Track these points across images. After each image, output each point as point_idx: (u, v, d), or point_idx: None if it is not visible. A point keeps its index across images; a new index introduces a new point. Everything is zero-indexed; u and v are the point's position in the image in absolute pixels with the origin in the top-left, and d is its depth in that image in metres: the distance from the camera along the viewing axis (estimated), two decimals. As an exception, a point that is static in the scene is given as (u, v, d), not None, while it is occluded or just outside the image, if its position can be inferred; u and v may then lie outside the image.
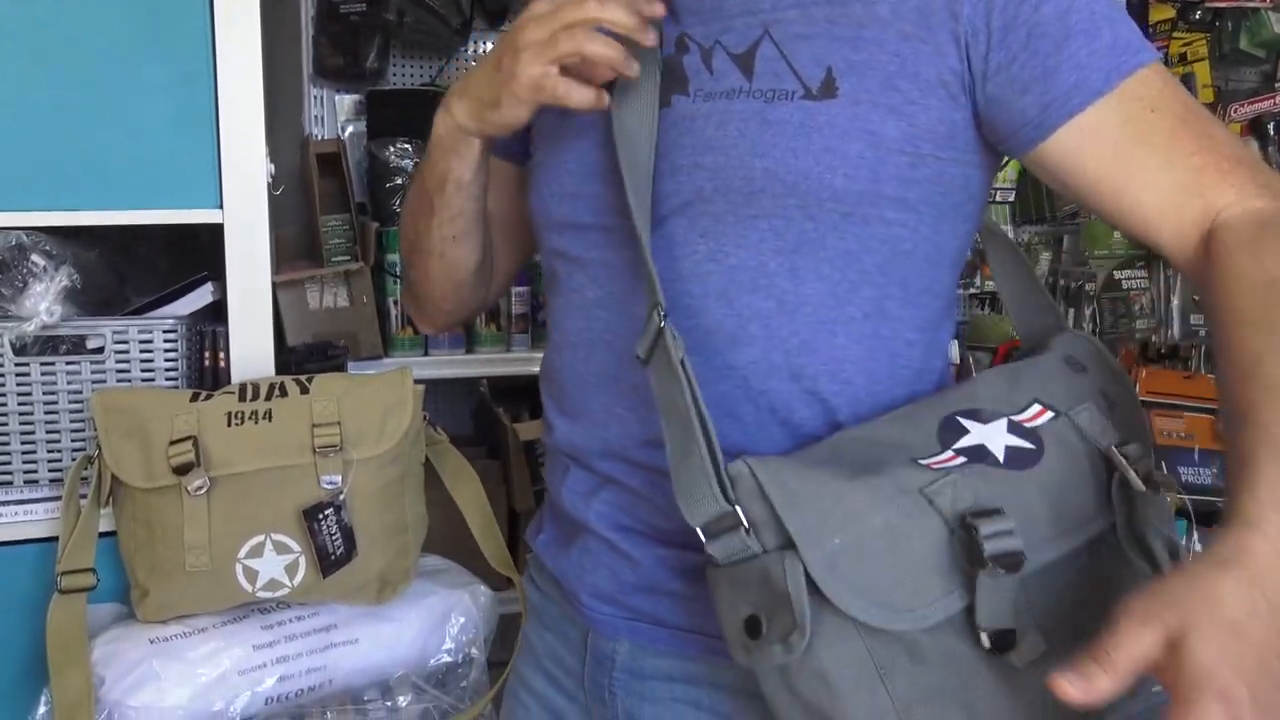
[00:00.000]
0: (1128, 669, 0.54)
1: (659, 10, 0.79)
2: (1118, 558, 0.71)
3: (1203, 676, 0.52)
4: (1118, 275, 2.32)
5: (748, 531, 0.66)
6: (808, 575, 0.63)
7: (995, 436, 0.70)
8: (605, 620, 0.86)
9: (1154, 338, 2.19)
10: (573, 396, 0.86)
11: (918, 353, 0.81)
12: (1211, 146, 0.74)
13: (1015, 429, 0.71)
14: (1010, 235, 2.23)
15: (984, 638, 0.63)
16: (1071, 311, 2.29)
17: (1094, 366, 0.80)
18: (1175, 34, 2.18)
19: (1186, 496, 2.08)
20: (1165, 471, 2.09)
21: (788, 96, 0.75)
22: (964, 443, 0.70)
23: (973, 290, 2.25)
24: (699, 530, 0.68)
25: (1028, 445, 0.70)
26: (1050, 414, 0.73)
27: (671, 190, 0.79)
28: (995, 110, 0.75)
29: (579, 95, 0.78)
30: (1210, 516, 2.30)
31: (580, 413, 0.86)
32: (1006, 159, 0.83)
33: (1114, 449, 0.72)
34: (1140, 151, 0.73)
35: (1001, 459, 0.69)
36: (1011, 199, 2.19)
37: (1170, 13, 2.17)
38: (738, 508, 0.66)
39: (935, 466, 0.68)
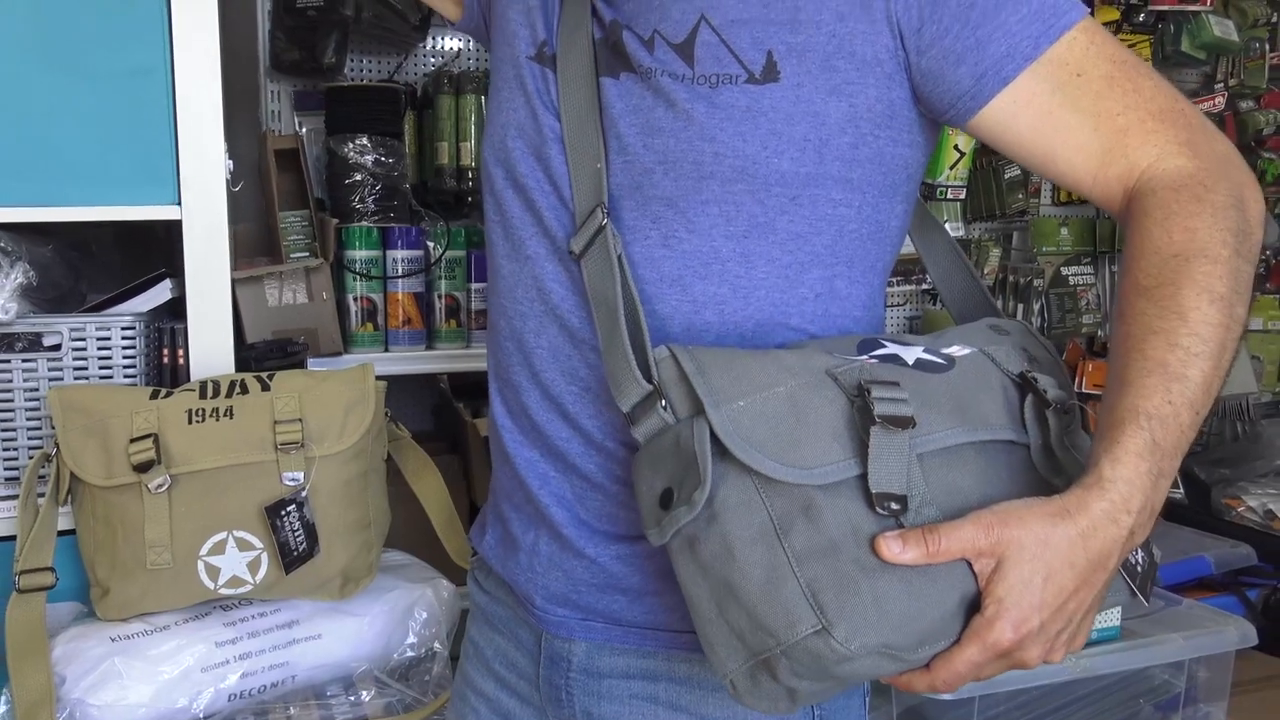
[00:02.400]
0: (943, 553, 0.63)
1: None
2: (1030, 473, 0.73)
3: (1006, 596, 0.63)
4: (1065, 271, 2.37)
5: (664, 407, 0.69)
6: (713, 434, 0.66)
7: (909, 352, 0.74)
8: (560, 622, 0.85)
9: (1099, 332, 2.25)
10: (520, 372, 0.86)
11: (863, 329, 0.83)
12: (1137, 103, 0.75)
13: (930, 351, 0.75)
14: (961, 232, 2.27)
15: (876, 501, 0.65)
16: (1020, 306, 2.34)
17: (1016, 332, 0.83)
18: (1120, 36, 2.23)
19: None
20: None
21: (731, 81, 0.76)
22: (881, 352, 0.74)
23: (925, 286, 2.28)
24: (626, 417, 0.72)
25: (939, 360, 0.74)
26: (968, 350, 0.77)
27: (620, 166, 0.80)
28: (931, 84, 0.77)
29: None
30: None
31: (528, 389, 0.86)
32: (941, 140, 0.85)
33: (1026, 373, 0.75)
34: (1069, 117, 0.75)
35: (911, 364, 0.72)
36: (963, 197, 2.23)
37: (1114, 15, 2.22)
38: (657, 386, 0.70)
39: (847, 359, 0.71)
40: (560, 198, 0.83)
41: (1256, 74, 2.42)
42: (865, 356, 0.73)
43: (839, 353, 0.73)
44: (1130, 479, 0.65)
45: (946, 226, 2.23)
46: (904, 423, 0.66)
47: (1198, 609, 1.72)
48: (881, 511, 0.65)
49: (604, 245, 0.77)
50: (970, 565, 0.65)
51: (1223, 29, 2.24)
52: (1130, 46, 2.21)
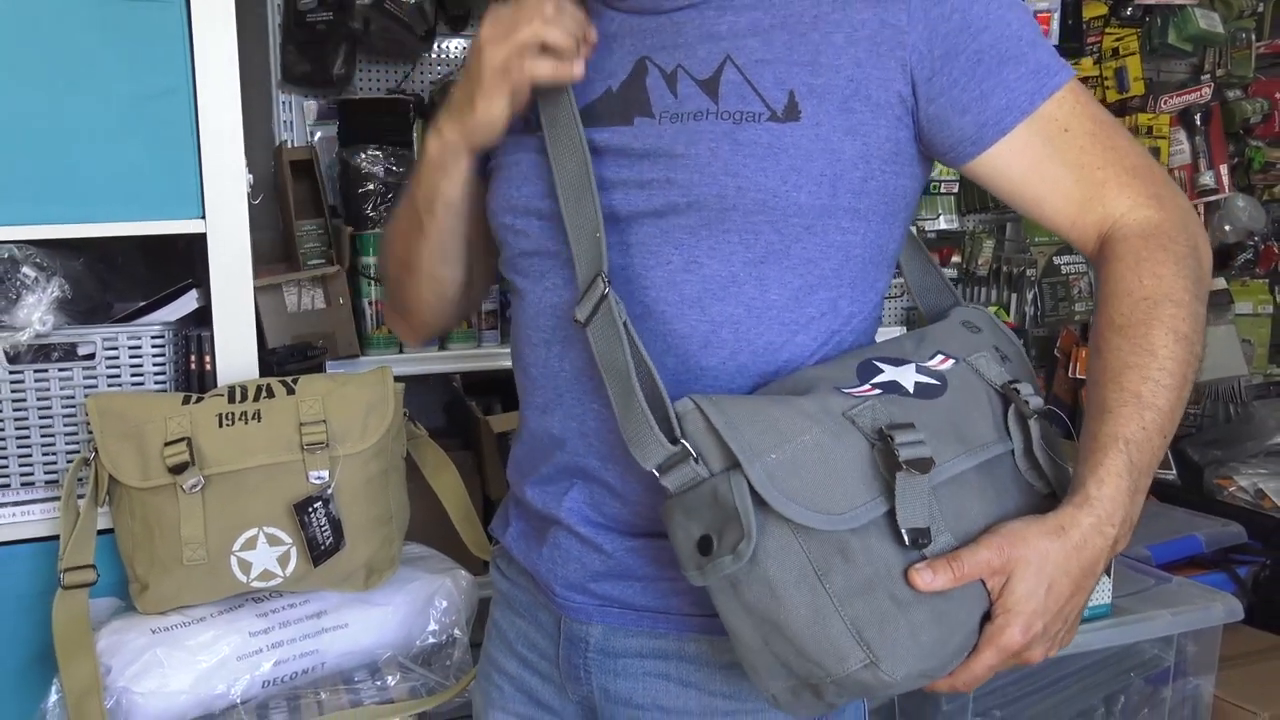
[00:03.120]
0: (966, 576, 0.73)
1: (593, 37, 0.87)
2: (1016, 479, 0.82)
3: (1015, 606, 0.74)
4: (1057, 261, 2.43)
5: (696, 460, 0.74)
6: (751, 488, 0.71)
7: (906, 375, 0.81)
8: (578, 608, 0.91)
9: (1091, 319, 2.30)
10: (545, 392, 0.92)
11: (864, 342, 0.90)
12: (1115, 159, 0.85)
13: (923, 370, 0.82)
14: (956, 224, 2.32)
15: (904, 535, 0.72)
16: (1014, 296, 2.40)
17: (986, 328, 0.92)
18: (1108, 29, 2.28)
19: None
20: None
21: (755, 119, 0.82)
22: (879, 379, 0.80)
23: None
24: (654, 470, 0.76)
25: (934, 382, 0.81)
26: (952, 360, 0.85)
27: (642, 202, 0.85)
28: (936, 128, 0.84)
29: (544, 67, 0.84)
30: (1147, 487, 2.38)
31: (553, 408, 0.91)
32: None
33: (1009, 386, 0.84)
34: (1057, 169, 0.84)
35: (911, 390, 0.79)
36: (956, 190, 2.29)
37: (1103, 9, 2.27)
38: (684, 441, 0.74)
39: (855, 394, 0.78)
40: (564, 264, 0.87)
41: (1243, 63, 2.47)
42: (868, 385, 0.79)
43: (844, 385, 0.79)
44: (1113, 496, 0.76)
45: (941, 219, 2.30)
46: (926, 465, 0.73)
47: (1187, 586, 1.78)
48: (912, 547, 0.73)
49: (609, 314, 0.80)
50: (984, 583, 0.74)
51: (1208, 21, 2.29)
52: (1118, 39, 2.27)
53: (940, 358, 0.85)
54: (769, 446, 0.72)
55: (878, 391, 0.78)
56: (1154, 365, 0.78)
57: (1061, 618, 0.76)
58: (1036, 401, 0.84)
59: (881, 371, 0.81)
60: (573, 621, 0.92)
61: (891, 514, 0.73)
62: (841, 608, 0.71)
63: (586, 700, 0.94)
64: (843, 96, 0.81)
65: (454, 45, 2.01)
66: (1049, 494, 0.83)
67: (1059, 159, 0.84)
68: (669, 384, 0.79)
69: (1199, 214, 2.30)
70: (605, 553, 0.89)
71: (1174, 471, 2.26)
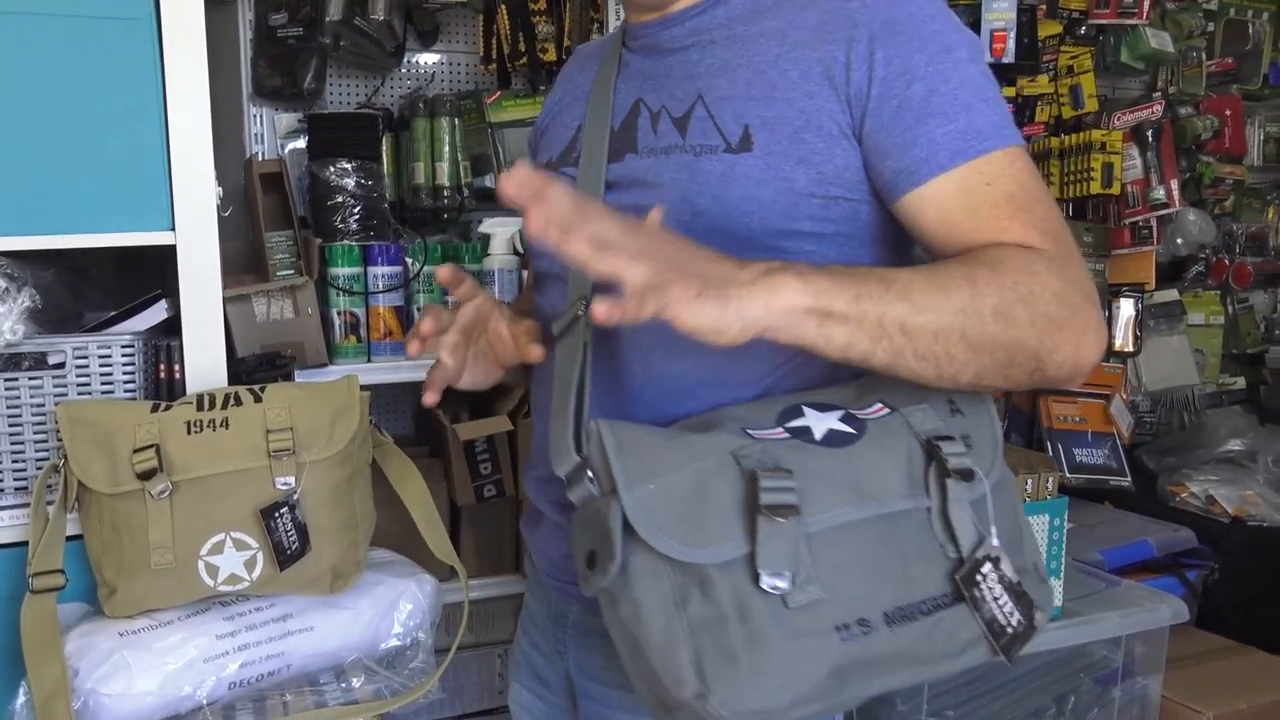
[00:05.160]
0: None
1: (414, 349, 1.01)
2: (926, 538, 0.79)
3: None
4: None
5: (592, 480, 0.78)
6: (624, 515, 0.74)
7: (824, 422, 0.81)
8: (560, 587, 1.01)
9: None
10: (543, 397, 0.99)
11: (841, 369, 0.89)
12: (1026, 221, 0.81)
13: (848, 419, 0.82)
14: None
15: (762, 579, 0.73)
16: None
17: None
18: (1063, 48, 2.35)
19: (1079, 476, 2.26)
20: (1060, 454, 2.26)
21: (712, 151, 0.87)
22: (795, 424, 0.81)
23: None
24: (565, 480, 0.80)
25: (849, 430, 0.81)
26: (886, 410, 0.83)
27: None
28: (868, 165, 0.86)
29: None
30: (1103, 495, 2.48)
31: (544, 410, 0.98)
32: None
33: (934, 440, 0.80)
34: (963, 219, 0.82)
35: (819, 438, 0.80)
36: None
37: (1058, 28, 2.33)
38: (583, 459, 0.79)
39: (759, 436, 0.79)
40: (562, 290, 0.95)
41: (1194, 81, 2.55)
42: (780, 429, 0.80)
43: (755, 426, 0.80)
44: (806, 288, 0.73)
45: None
46: (787, 511, 0.74)
47: (1135, 589, 1.84)
48: (768, 590, 0.73)
49: (577, 333, 0.87)
50: (838, 635, 0.74)
51: (1159, 41, 2.36)
52: (1073, 58, 2.33)
53: (877, 406, 0.84)
54: (648, 476, 0.75)
55: (786, 436, 0.79)
56: (938, 290, 0.76)
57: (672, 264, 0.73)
58: (960, 462, 0.80)
59: (802, 416, 0.82)
60: (559, 600, 1.02)
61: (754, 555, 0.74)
62: (691, 637, 0.73)
63: (566, 674, 1.03)
64: (794, 128, 0.85)
65: (424, 60, 2.05)
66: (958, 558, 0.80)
67: (969, 209, 0.82)
68: (635, 391, 0.86)
69: (1151, 228, 2.37)
70: None
71: (1128, 478, 2.31)
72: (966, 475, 0.79)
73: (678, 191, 0.87)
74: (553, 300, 1.01)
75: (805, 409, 0.83)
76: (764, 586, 0.73)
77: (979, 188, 0.82)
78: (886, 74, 0.83)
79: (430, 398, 1.04)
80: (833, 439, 0.80)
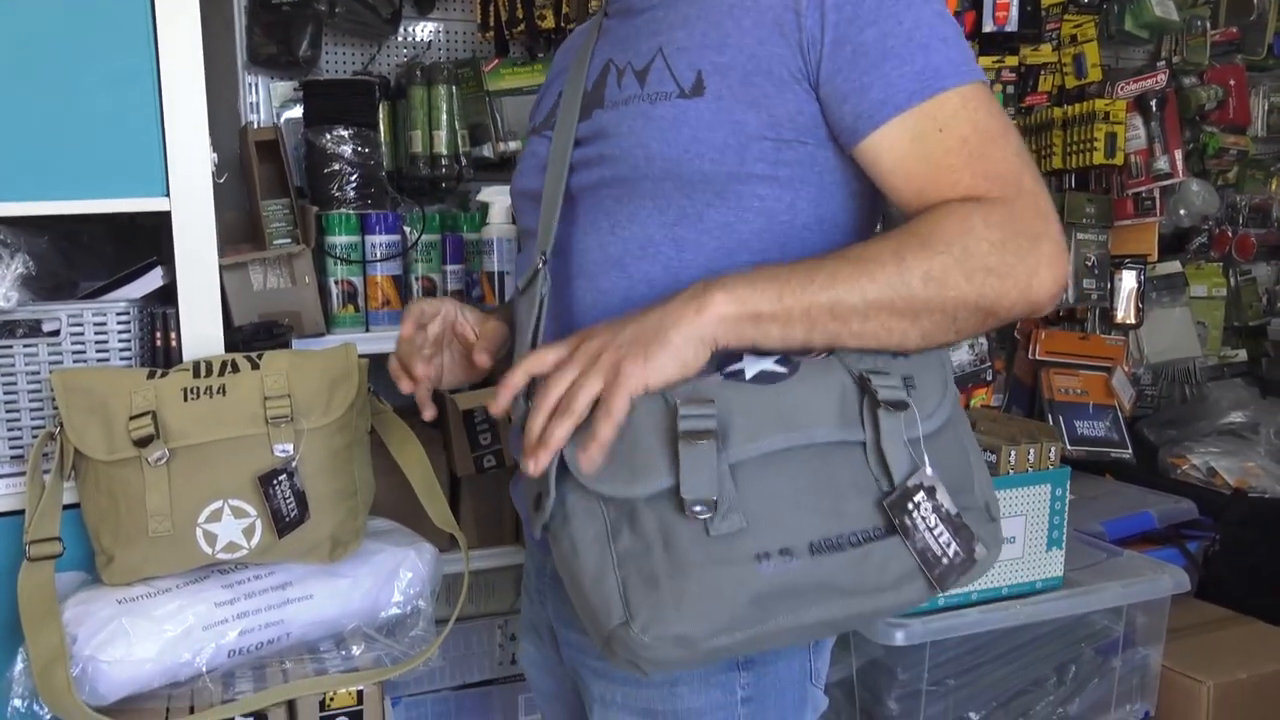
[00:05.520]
0: (529, 368, 0.84)
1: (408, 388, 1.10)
2: (859, 471, 0.81)
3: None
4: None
5: None
6: (560, 456, 0.79)
7: (757, 365, 0.83)
8: (540, 539, 0.98)
9: (1051, 301, 2.35)
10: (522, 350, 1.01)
11: None
12: (978, 168, 0.83)
13: (783, 360, 0.83)
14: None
15: (687, 507, 0.76)
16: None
17: None
18: (1066, 16, 2.32)
19: (1080, 448, 2.26)
20: (1061, 426, 2.26)
21: (666, 97, 0.89)
22: (731, 368, 0.83)
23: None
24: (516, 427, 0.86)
25: (779, 370, 0.82)
26: (825, 355, 0.84)
27: (587, 178, 0.95)
28: (826, 111, 0.88)
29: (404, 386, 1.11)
30: (1103, 467, 2.49)
31: None
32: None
33: (865, 375, 0.82)
34: (917, 166, 0.84)
35: (749, 378, 0.82)
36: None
37: (1061, -3, 2.31)
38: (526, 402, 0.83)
39: (692, 380, 0.81)
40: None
41: (1199, 50, 2.52)
42: (716, 374, 0.82)
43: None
44: (730, 298, 0.79)
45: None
46: (705, 435, 0.76)
47: (1136, 559, 1.84)
48: (692, 515, 0.76)
49: (534, 286, 0.93)
50: (758, 563, 0.76)
51: (1163, 9, 2.33)
52: (1076, 26, 2.31)
53: (821, 353, 0.85)
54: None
55: (719, 378, 0.82)
56: (869, 270, 0.80)
57: (627, 335, 0.80)
58: (893, 394, 0.81)
59: (740, 361, 0.84)
60: (539, 552, 1.05)
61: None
62: (619, 568, 0.77)
63: (549, 623, 1.06)
64: (744, 72, 0.87)
65: (420, 28, 2.02)
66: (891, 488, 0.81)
67: (922, 156, 0.84)
68: None
69: (1154, 199, 2.35)
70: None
71: (1129, 451, 2.31)
72: (899, 405, 0.81)
73: (633, 137, 0.90)
74: (528, 256, 1.03)
75: (746, 355, 0.84)
76: (689, 514, 0.76)
77: (932, 133, 0.83)
78: (838, 19, 0.84)
79: (429, 414, 1.11)
80: (762, 377, 0.82)
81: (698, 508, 0.76)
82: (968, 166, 0.83)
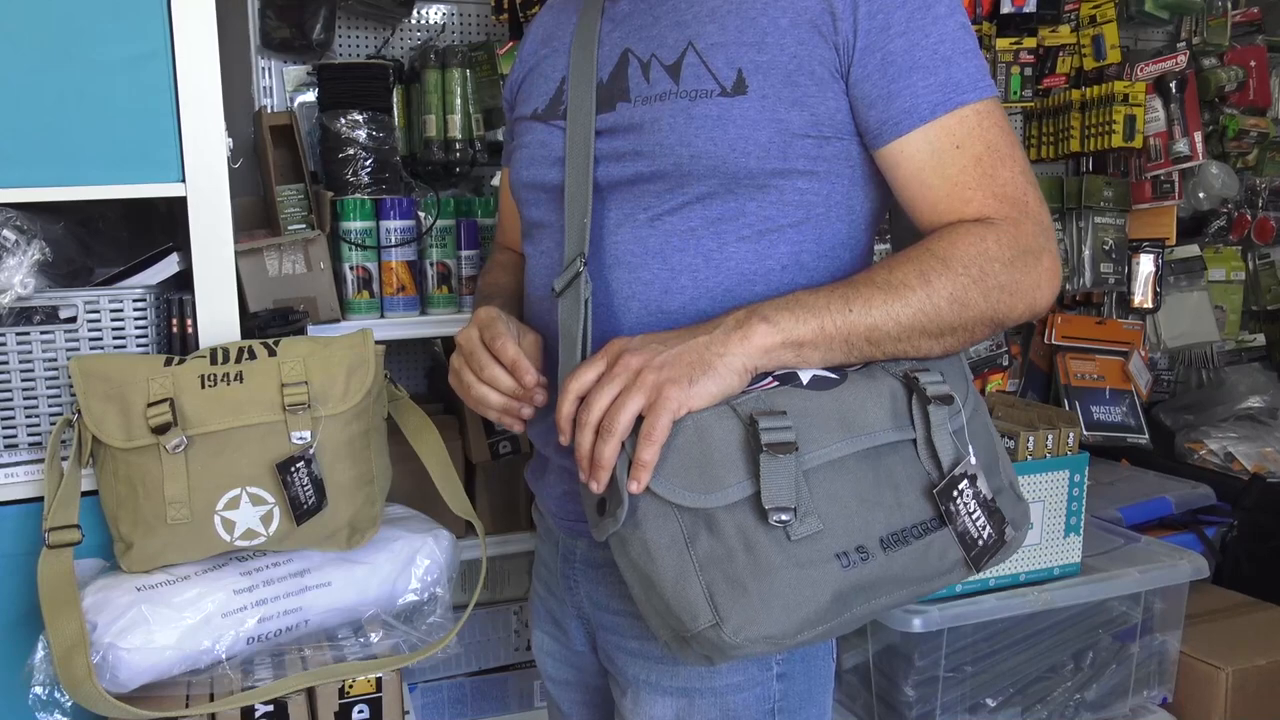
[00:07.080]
0: (574, 388, 0.85)
1: (529, 381, 0.97)
2: (911, 466, 0.86)
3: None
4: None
5: None
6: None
7: (809, 370, 0.87)
8: (567, 525, 1.06)
9: (1068, 286, 2.33)
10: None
11: None
12: (989, 185, 0.89)
13: (830, 367, 0.87)
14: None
15: (769, 514, 0.78)
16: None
17: None
18: (1086, -3, 2.30)
19: (1097, 434, 2.24)
20: (1078, 411, 2.24)
21: (707, 95, 0.90)
22: (781, 371, 0.86)
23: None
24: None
25: (832, 375, 0.87)
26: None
27: (618, 171, 0.95)
28: (856, 113, 0.91)
29: (492, 414, 1.00)
30: (1119, 452, 2.48)
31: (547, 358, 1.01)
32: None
33: (910, 374, 0.87)
34: (933, 179, 0.90)
35: (805, 382, 0.85)
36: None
37: (1081, -23, 2.28)
38: None
39: (752, 388, 0.85)
40: (557, 241, 1.00)
41: (1219, 32, 2.49)
42: (770, 379, 0.85)
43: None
44: (773, 329, 0.83)
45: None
46: (787, 448, 0.79)
47: (1155, 545, 1.82)
48: (774, 523, 0.79)
49: (577, 289, 0.93)
50: (839, 562, 0.79)
51: (1184, -11, 2.30)
52: (1096, 7, 2.28)
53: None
54: None
55: (775, 384, 0.84)
56: (890, 294, 0.85)
57: (665, 354, 0.83)
58: (939, 389, 0.87)
59: (789, 365, 0.87)
60: (565, 537, 1.08)
61: (760, 494, 0.79)
62: (701, 572, 0.79)
63: (580, 609, 1.07)
64: (787, 72, 0.89)
65: (434, 11, 2.01)
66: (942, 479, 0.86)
67: (939, 171, 0.89)
68: (636, 326, 0.93)
69: (1173, 182, 2.33)
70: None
71: (1146, 436, 2.29)
72: (946, 400, 0.86)
73: (675, 135, 0.91)
74: (546, 249, 1.04)
75: None
76: (772, 520, 0.78)
77: (949, 150, 0.88)
78: (870, 27, 0.88)
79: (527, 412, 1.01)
80: (818, 383, 0.85)
81: (781, 515, 0.78)
82: (980, 186, 0.89)
